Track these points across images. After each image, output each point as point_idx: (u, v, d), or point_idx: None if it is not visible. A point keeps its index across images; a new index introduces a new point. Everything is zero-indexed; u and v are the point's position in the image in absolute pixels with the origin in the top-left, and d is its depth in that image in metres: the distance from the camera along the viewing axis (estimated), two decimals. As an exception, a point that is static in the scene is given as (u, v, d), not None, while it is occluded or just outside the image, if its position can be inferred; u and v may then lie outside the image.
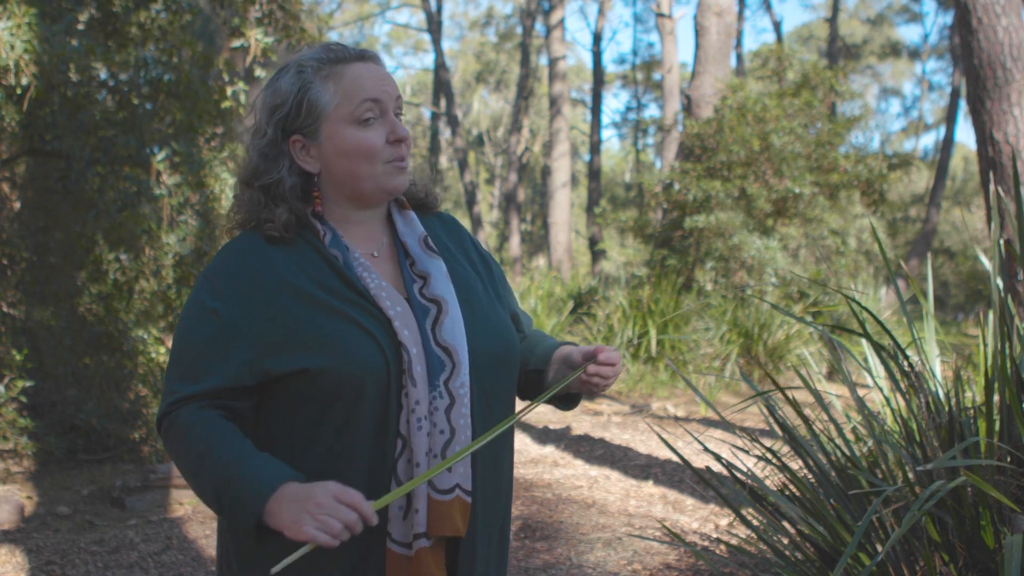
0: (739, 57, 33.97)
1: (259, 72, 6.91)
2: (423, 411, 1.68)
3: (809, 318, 11.09)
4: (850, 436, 3.57)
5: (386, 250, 1.85)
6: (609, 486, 6.13)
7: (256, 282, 1.72)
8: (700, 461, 6.38)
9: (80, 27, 6.18)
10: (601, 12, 34.04)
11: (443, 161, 41.44)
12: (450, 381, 1.71)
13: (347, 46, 1.79)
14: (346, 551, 1.64)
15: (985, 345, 3.05)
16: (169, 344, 7.77)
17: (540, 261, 36.93)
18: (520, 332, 2.03)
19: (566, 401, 1.95)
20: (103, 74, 6.52)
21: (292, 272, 1.73)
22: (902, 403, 3.00)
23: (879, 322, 2.91)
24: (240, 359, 1.68)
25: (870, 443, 3.26)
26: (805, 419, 3.03)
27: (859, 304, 2.84)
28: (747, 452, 3.14)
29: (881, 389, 3.28)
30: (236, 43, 6.67)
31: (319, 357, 1.66)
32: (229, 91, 6.75)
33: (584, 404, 9.18)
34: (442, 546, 1.70)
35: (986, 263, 3.13)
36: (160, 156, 6.13)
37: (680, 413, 8.83)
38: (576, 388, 1.86)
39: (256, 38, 6.52)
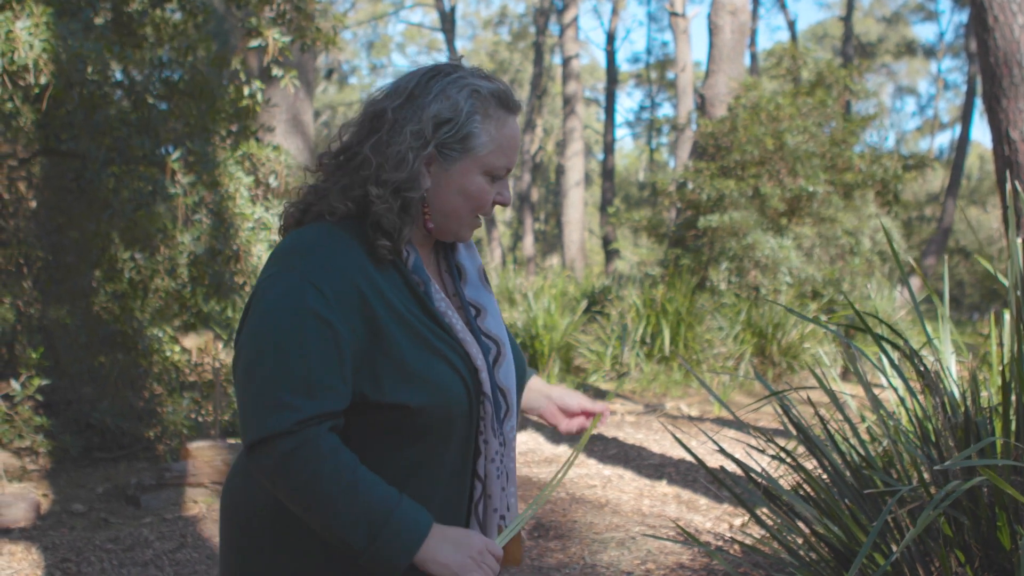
0: (753, 56, 33.87)
1: (276, 71, 6.92)
2: (491, 454, 1.73)
3: (824, 318, 11.05)
4: (865, 436, 3.56)
5: (436, 277, 1.81)
6: (623, 485, 6.13)
7: (363, 298, 1.62)
8: (714, 461, 6.37)
9: (96, 26, 6.20)
10: (615, 11, 34.00)
11: (456, 160, 41.35)
12: (505, 424, 1.77)
13: (511, 92, 1.75)
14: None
15: (1001, 345, 3.03)
16: (184, 343, 7.79)
17: (554, 260, 36.89)
18: None
19: None
20: (118, 74, 6.55)
21: (390, 292, 1.65)
22: (917, 403, 2.99)
23: (889, 326, 2.89)
24: (350, 378, 1.61)
25: (885, 443, 3.25)
26: (820, 419, 3.02)
27: (864, 313, 2.83)
28: (762, 452, 3.13)
29: (896, 389, 3.26)
30: (253, 43, 6.69)
31: (421, 395, 1.63)
32: (246, 90, 6.76)
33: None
34: None
35: (997, 274, 3.11)
36: (175, 155, 6.15)
37: (694, 413, 8.82)
38: (549, 421, 2.01)
39: (274, 37, 6.53)
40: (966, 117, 28.15)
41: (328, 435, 1.57)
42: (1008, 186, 3.32)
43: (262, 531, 1.70)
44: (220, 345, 6.75)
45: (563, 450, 6.98)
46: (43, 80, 5.24)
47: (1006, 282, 2.85)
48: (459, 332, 1.70)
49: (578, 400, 1.98)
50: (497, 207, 1.78)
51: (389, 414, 1.63)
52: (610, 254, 28.13)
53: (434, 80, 1.70)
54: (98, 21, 6.34)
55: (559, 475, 1.87)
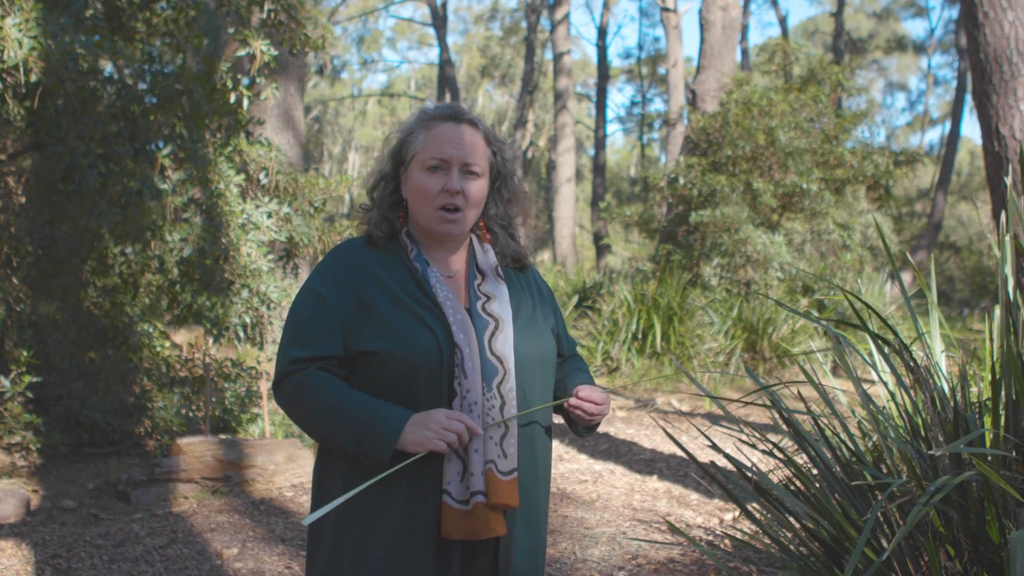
0: (744, 52, 33.90)
1: (260, 80, 6.90)
2: (474, 399, 2.10)
3: (815, 313, 11.07)
4: (855, 431, 3.56)
5: (459, 274, 2.30)
6: (614, 481, 6.13)
7: (353, 277, 2.19)
8: (705, 456, 6.38)
9: (86, 20, 6.16)
10: (606, 6, 33.99)
11: (448, 156, 41.27)
12: (502, 385, 2.14)
13: (450, 107, 2.28)
14: (402, 501, 2.09)
15: (991, 340, 3.04)
16: (175, 339, 7.78)
17: (545, 256, 36.87)
18: (561, 354, 2.47)
19: (581, 431, 2.41)
20: (108, 68, 6.51)
21: (382, 273, 2.20)
22: (907, 398, 2.99)
23: (884, 321, 2.90)
24: (335, 333, 2.15)
25: (875, 438, 3.26)
26: (811, 414, 3.03)
27: (862, 302, 2.84)
28: (753, 446, 3.14)
29: (886, 384, 3.27)
30: (242, 52, 6.66)
31: (387, 342, 2.11)
32: (235, 93, 6.72)
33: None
34: (495, 510, 2.11)
35: (997, 252, 3.12)
36: (165, 151, 6.12)
37: (685, 408, 8.83)
38: (574, 417, 2.31)
39: (261, 50, 6.50)
40: (956, 113, 28.23)
41: (318, 372, 2.13)
42: (1008, 180, 3.32)
43: (314, 472, 2.28)
44: (210, 340, 6.74)
45: (553, 445, 6.98)
46: (33, 78, 5.20)
47: (997, 251, 2.85)
48: (440, 298, 2.18)
49: (576, 388, 2.30)
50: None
51: (370, 360, 2.13)
52: (601, 249, 28.12)
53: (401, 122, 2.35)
54: (88, 13, 6.30)
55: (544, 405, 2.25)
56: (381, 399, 2.11)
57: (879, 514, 2.69)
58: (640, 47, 44.85)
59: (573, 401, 2.24)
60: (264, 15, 6.81)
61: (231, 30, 6.83)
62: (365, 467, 2.08)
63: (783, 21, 37.06)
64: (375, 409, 2.08)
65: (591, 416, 2.26)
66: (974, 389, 3.37)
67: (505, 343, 2.18)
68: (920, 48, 45.79)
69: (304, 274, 9.76)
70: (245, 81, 6.85)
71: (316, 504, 2.23)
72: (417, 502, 2.09)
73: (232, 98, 6.66)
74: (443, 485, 2.09)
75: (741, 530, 4.29)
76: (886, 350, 2.96)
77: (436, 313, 2.15)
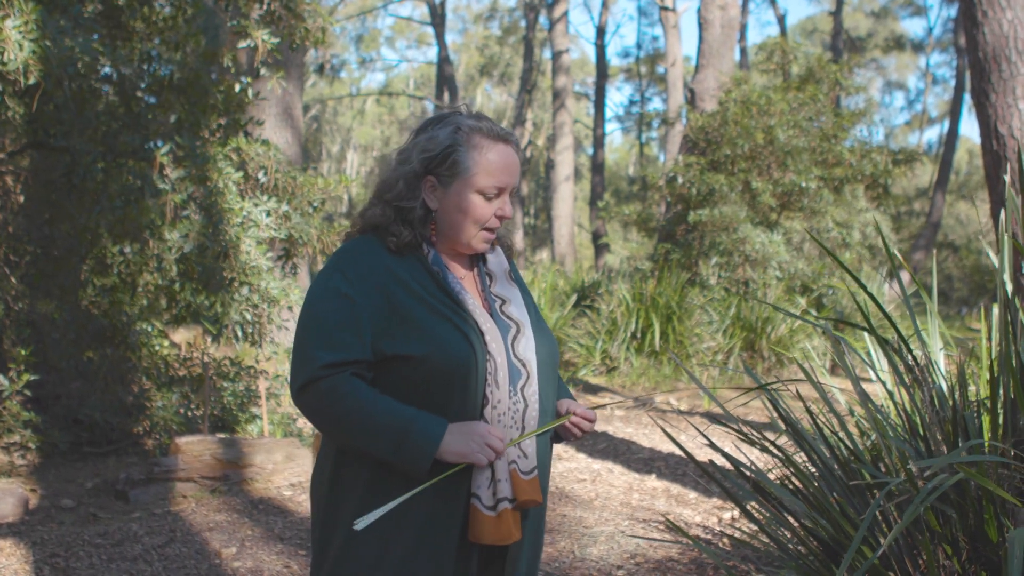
0: (743, 51, 33.91)
1: (264, 72, 6.89)
2: (504, 408, 2.12)
3: (814, 312, 11.07)
4: (853, 430, 3.56)
5: (469, 276, 2.28)
6: (612, 480, 6.13)
7: (377, 277, 2.13)
8: (703, 455, 6.38)
9: (85, 20, 6.15)
10: (605, 5, 33.96)
11: (446, 155, 41.21)
12: (525, 388, 2.16)
13: (496, 125, 2.21)
14: (427, 504, 2.07)
15: (989, 339, 3.04)
16: (173, 338, 7.77)
17: (543, 255, 36.89)
18: None
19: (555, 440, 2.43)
20: (107, 68, 6.51)
21: (404, 274, 2.15)
22: (906, 397, 2.99)
23: (885, 313, 2.90)
24: (367, 336, 2.09)
25: (874, 437, 3.26)
26: (809, 413, 3.03)
27: (866, 291, 2.84)
28: (753, 444, 3.14)
29: (884, 383, 3.27)
30: (243, 43, 6.66)
31: (423, 346, 2.07)
32: (236, 86, 6.73)
33: (587, 398, 9.19)
34: (518, 510, 2.14)
35: (993, 258, 3.13)
36: (164, 150, 6.12)
37: (683, 407, 8.83)
38: (569, 432, 2.34)
39: (263, 39, 6.49)
40: (955, 112, 28.21)
41: (350, 378, 2.06)
42: (1008, 179, 3.31)
43: (322, 470, 2.22)
44: (209, 339, 6.74)
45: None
46: (32, 80, 5.19)
47: (995, 259, 2.85)
48: (469, 305, 2.15)
49: (564, 403, 2.35)
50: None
51: (402, 364, 2.08)
52: (600, 248, 28.10)
53: (428, 125, 2.23)
54: (87, 12, 6.29)
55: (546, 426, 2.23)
56: (410, 403, 2.09)
57: (877, 513, 2.69)
58: (639, 46, 44.89)
59: (574, 419, 2.28)
60: (263, 10, 6.81)
61: (231, 23, 6.84)
62: (392, 474, 2.07)
63: (782, 20, 37.07)
64: (412, 418, 2.05)
65: (586, 432, 2.33)
66: (972, 388, 3.37)
67: (528, 346, 2.19)
68: (919, 47, 45.80)
69: (303, 273, 9.75)
70: (245, 80, 6.86)
71: (327, 508, 2.19)
72: (442, 505, 2.09)
73: (237, 87, 6.67)
74: (472, 489, 2.10)
75: (739, 529, 4.29)
76: (886, 348, 2.96)
77: (466, 318, 2.13)
